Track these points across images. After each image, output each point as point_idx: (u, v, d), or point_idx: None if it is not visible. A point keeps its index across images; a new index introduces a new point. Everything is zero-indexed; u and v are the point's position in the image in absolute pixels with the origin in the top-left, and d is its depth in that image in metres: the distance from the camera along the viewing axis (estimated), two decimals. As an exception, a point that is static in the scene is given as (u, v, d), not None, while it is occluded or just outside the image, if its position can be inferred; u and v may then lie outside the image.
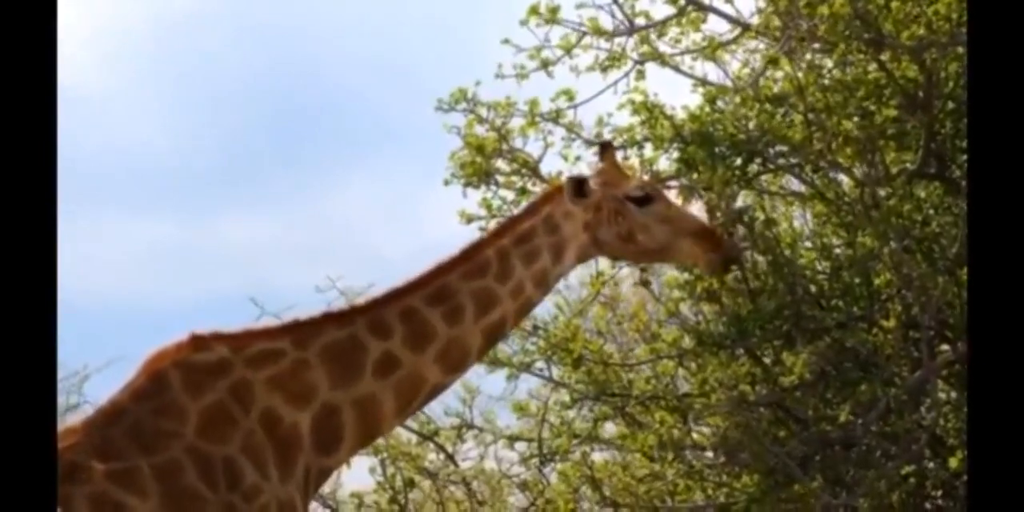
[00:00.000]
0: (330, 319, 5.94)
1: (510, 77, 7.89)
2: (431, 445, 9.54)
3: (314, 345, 5.85)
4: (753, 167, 7.43)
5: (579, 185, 6.16)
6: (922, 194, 7.44)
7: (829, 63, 7.58)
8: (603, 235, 6.20)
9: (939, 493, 7.40)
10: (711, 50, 7.98)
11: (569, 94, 7.81)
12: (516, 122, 7.80)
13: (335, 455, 5.87)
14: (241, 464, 5.57)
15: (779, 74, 7.45)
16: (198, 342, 5.76)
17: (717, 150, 7.22)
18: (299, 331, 5.88)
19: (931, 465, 7.27)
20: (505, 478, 9.64)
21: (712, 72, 8.20)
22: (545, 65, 7.98)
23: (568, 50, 8.01)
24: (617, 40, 8.11)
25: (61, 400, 12.55)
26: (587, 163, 7.72)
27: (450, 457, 9.60)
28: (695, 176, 7.21)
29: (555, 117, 7.77)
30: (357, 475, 9.21)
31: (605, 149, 6.42)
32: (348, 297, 9.79)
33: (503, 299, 6.05)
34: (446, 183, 7.73)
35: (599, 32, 8.03)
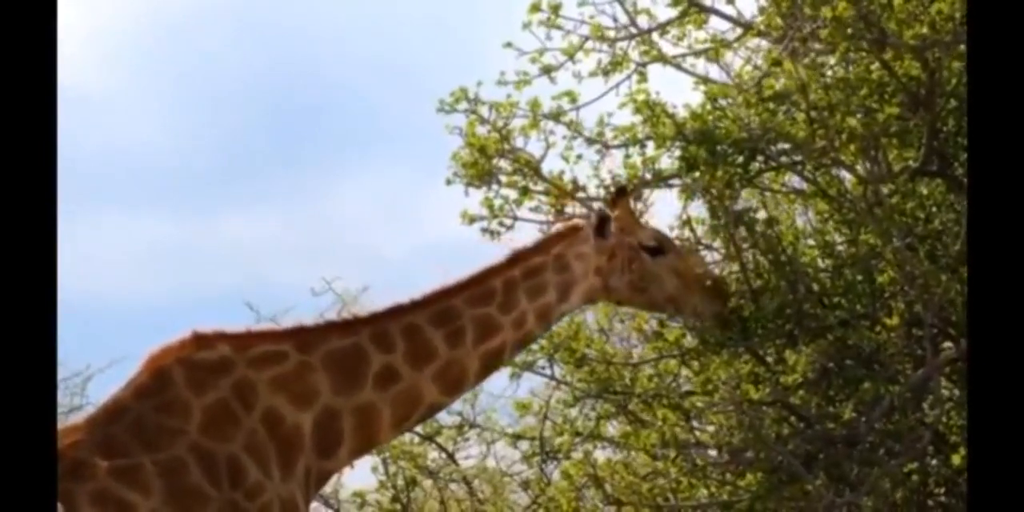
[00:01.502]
0: (334, 327, 5.97)
1: (512, 83, 7.89)
2: (432, 444, 9.54)
3: (318, 350, 5.88)
4: (755, 165, 7.42)
5: (603, 223, 6.19)
6: (925, 191, 7.43)
7: (831, 61, 7.57)
8: (615, 282, 6.27)
9: (942, 490, 7.39)
10: (715, 51, 7.97)
11: (571, 96, 7.81)
12: (517, 123, 7.80)
13: (334, 459, 5.89)
14: (244, 462, 5.59)
15: (781, 71, 7.44)
16: (201, 340, 5.78)
17: (719, 149, 7.22)
18: (303, 336, 5.91)
19: (934, 462, 7.26)
20: (507, 477, 9.64)
21: (714, 70, 8.20)
22: (547, 71, 7.98)
23: (571, 56, 8.00)
24: (619, 45, 8.10)
25: (64, 401, 12.56)
26: (588, 162, 7.73)
27: (451, 456, 9.60)
28: (696, 175, 7.21)
29: (556, 115, 7.76)
30: (359, 474, 9.22)
31: (620, 195, 6.46)
32: (344, 299, 9.81)
33: (504, 328, 6.11)
34: (448, 182, 7.73)
35: (601, 38, 8.03)
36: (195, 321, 5.86)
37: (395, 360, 5.97)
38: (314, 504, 8.25)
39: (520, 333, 6.17)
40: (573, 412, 8.06)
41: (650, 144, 7.56)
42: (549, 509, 8.26)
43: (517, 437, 8.74)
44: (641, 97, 7.51)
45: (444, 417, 9.43)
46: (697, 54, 8.08)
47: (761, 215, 7.42)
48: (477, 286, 6.12)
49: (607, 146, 7.75)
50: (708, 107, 7.39)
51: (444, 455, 9.61)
